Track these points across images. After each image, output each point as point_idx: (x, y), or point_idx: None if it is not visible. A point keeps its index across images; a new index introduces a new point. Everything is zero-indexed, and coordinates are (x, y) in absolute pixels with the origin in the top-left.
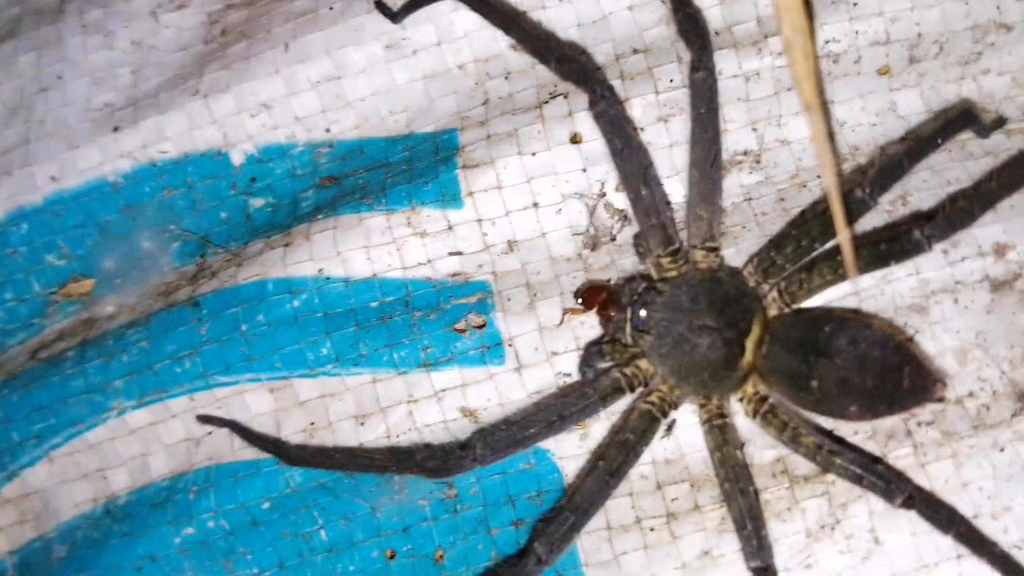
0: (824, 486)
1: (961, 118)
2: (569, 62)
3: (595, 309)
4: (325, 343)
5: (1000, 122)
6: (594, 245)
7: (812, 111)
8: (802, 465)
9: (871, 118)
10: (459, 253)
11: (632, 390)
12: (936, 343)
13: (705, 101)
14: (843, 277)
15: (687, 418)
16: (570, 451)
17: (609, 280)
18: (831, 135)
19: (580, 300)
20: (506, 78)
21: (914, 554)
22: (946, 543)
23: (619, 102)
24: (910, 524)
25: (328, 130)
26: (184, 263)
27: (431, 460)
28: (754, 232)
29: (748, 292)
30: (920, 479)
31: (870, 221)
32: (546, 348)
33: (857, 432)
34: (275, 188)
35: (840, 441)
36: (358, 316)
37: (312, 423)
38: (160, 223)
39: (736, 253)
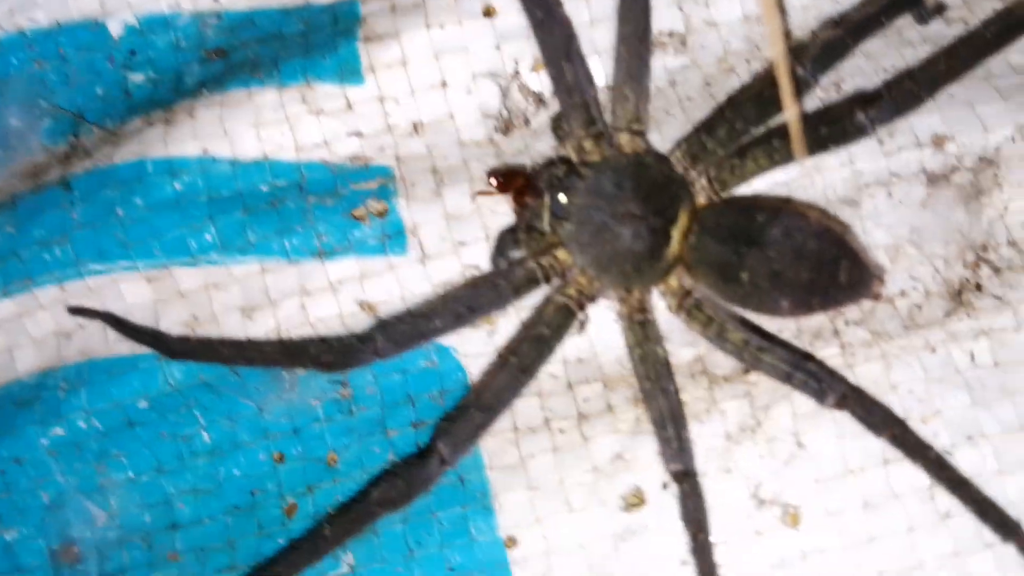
0: (745, 387)
1: None
2: None
3: (510, 194)
4: (209, 228)
5: (940, 8)
6: (506, 128)
7: None
8: (722, 364)
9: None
10: (359, 134)
11: (548, 282)
12: (868, 238)
13: None
14: (778, 163)
15: (601, 315)
16: (476, 349)
17: (525, 166)
18: (781, 5)
19: (494, 182)
20: None
21: (839, 458)
22: (873, 447)
23: None
24: (835, 426)
25: None
26: (55, 142)
27: (327, 353)
28: (679, 118)
29: (675, 178)
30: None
31: (806, 106)
32: (453, 238)
33: (782, 331)
34: (156, 62)
35: (769, 337)
36: (246, 200)
37: (194, 316)
38: (29, 98)
39: (659, 140)
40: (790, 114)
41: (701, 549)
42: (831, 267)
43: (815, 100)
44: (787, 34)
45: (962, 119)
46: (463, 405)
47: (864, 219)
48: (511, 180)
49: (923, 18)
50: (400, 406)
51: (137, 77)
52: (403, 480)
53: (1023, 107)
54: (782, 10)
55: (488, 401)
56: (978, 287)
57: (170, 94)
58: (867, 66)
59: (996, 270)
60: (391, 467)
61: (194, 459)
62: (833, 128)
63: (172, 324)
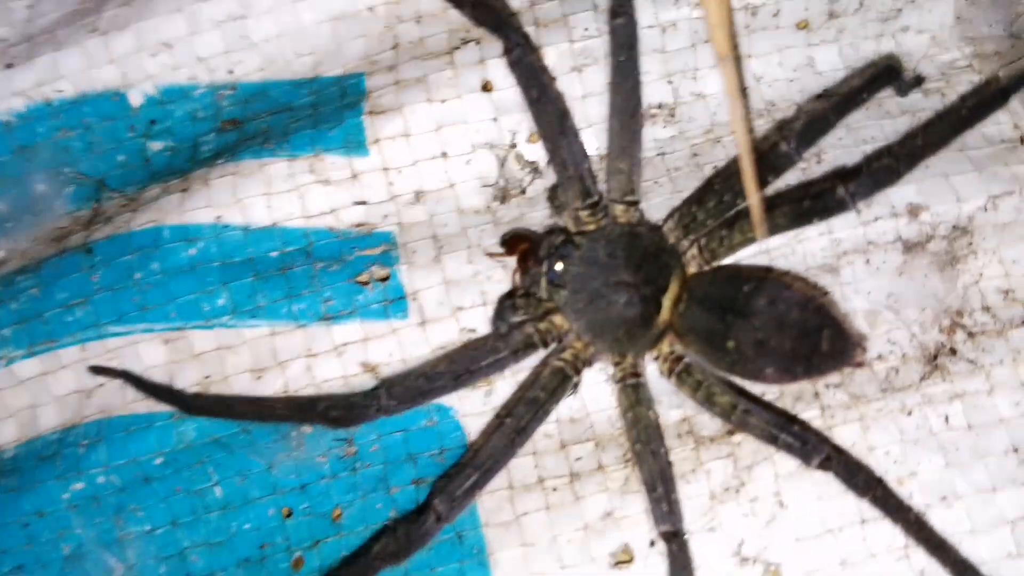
0: (730, 447)
1: (885, 73)
2: (483, 7)
3: (516, 257)
4: (222, 293)
5: (918, 80)
6: (504, 197)
7: (725, 62)
8: (708, 426)
9: (788, 73)
10: (364, 203)
11: (545, 346)
12: (847, 304)
13: (625, 48)
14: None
15: (593, 376)
16: (474, 408)
17: (533, 232)
18: (744, 90)
19: (504, 245)
20: (417, 22)
21: (818, 518)
22: (851, 507)
23: (534, 49)
24: (815, 488)
25: (231, 72)
26: (78, 207)
27: (334, 409)
28: (666, 188)
29: (667, 248)
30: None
31: (787, 179)
32: (451, 303)
33: (764, 394)
34: (175, 131)
35: (755, 400)
36: (257, 266)
37: (207, 376)
38: (54, 165)
39: (647, 209)
40: (752, 198)
41: None
42: (814, 336)
43: (796, 173)
44: (750, 116)
45: (937, 189)
46: (460, 464)
47: (843, 286)
48: (516, 244)
49: (902, 90)
50: (402, 464)
51: (156, 145)
52: (402, 536)
53: (996, 177)
54: (744, 92)
55: (484, 460)
56: (953, 351)
57: (187, 163)
58: (847, 137)
59: (970, 335)
60: (390, 523)
61: (207, 513)
62: (814, 203)
63: (186, 384)
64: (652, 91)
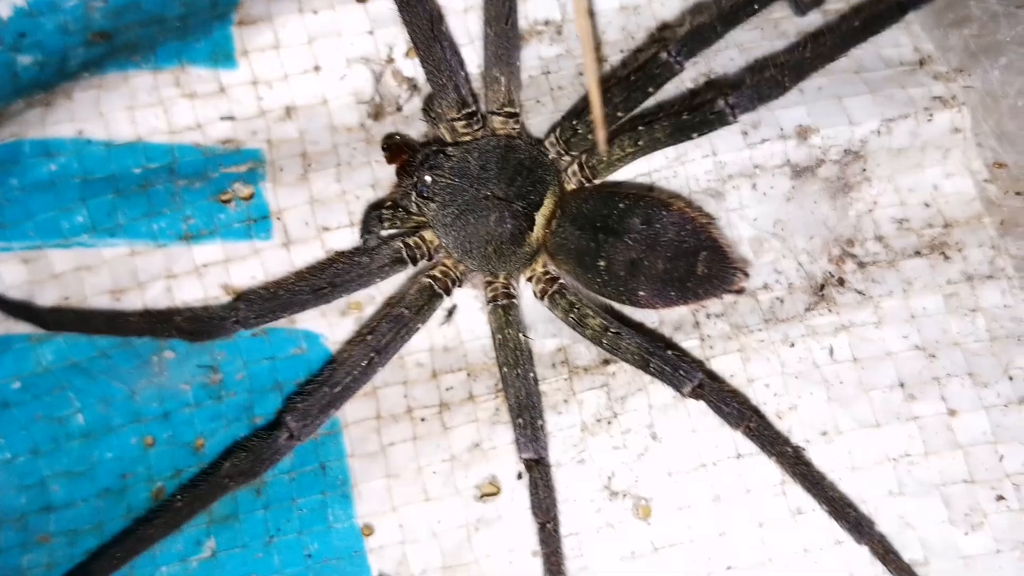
0: (604, 378)
1: None
2: None
3: (396, 166)
4: (81, 211)
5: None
6: (378, 114)
7: None
8: (583, 356)
9: None
10: (231, 118)
11: (414, 263)
12: (732, 231)
13: None
14: (643, 149)
15: (470, 303)
16: (344, 335)
17: (416, 141)
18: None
19: (385, 151)
20: None
21: (692, 452)
22: (726, 441)
23: None
24: (690, 420)
25: None
26: None
27: (190, 322)
28: (548, 107)
29: (545, 163)
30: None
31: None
32: (317, 223)
33: (643, 323)
34: (44, 44)
35: (631, 327)
36: (118, 183)
37: (66, 297)
38: None
39: (532, 129)
40: (595, 110)
41: (548, 539)
42: (690, 258)
43: (684, 94)
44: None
45: (828, 111)
46: (315, 382)
47: (729, 212)
48: (398, 153)
49: (801, 9)
50: (268, 392)
51: (25, 59)
52: (252, 453)
53: (891, 100)
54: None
55: (340, 379)
56: (841, 282)
57: (55, 76)
58: (740, 58)
59: (861, 265)
60: (241, 441)
61: (69, 442)
62: (694, 115)
63: (45, 304)
64: (539, 6)
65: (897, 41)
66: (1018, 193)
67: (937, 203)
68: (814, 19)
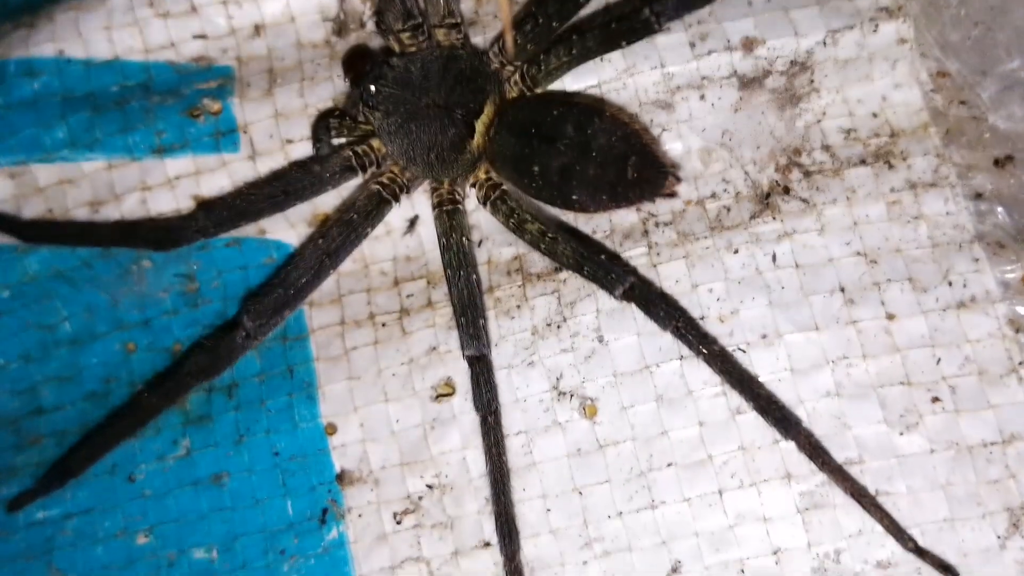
0: (555, 284)
1: None
2: None
3: (350, 77)
4: (62, 127)
5: None
6: (342, 31)
7: None
8: (537, 263)
9: None
10: (203, 36)
11: (364, 170)
12: (683, 142)
13: None
14: (577, 59)
15: (431, 214)
16: None
17: (371, 51)
18: None
19: (344, 64)
20: None
21: (636, 354)
22: (668, 345)
23: None
24: (636, 325)
25: None
26: None
27: (154, 231)
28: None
29: (485, 72)
30: (652, 279)
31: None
32: (281, 135)
33: (595, 232)
34: None
35: (570, 232)
36: (96, 100)
37: (50, 210)
38: None
39: (484, 43)
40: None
41: (490, 431)
42: (619, 163)
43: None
44: None
45: (774, 22)
46: (270, 283)
47: (678, 123)
48: (353, 64)
49: None
50: (241, 300)
51: None
52: (211, 352)
53: (838, 12)
54: None
55: (294, 280)
56: (786, 190)
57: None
58: None
59: (807, 174)
60: (201, 340)
61: (57, 348)
62: (621, 24)
63: (32, 217)
64: None
65: None
66: (962, 102)
67: (885, 113)
68: None
